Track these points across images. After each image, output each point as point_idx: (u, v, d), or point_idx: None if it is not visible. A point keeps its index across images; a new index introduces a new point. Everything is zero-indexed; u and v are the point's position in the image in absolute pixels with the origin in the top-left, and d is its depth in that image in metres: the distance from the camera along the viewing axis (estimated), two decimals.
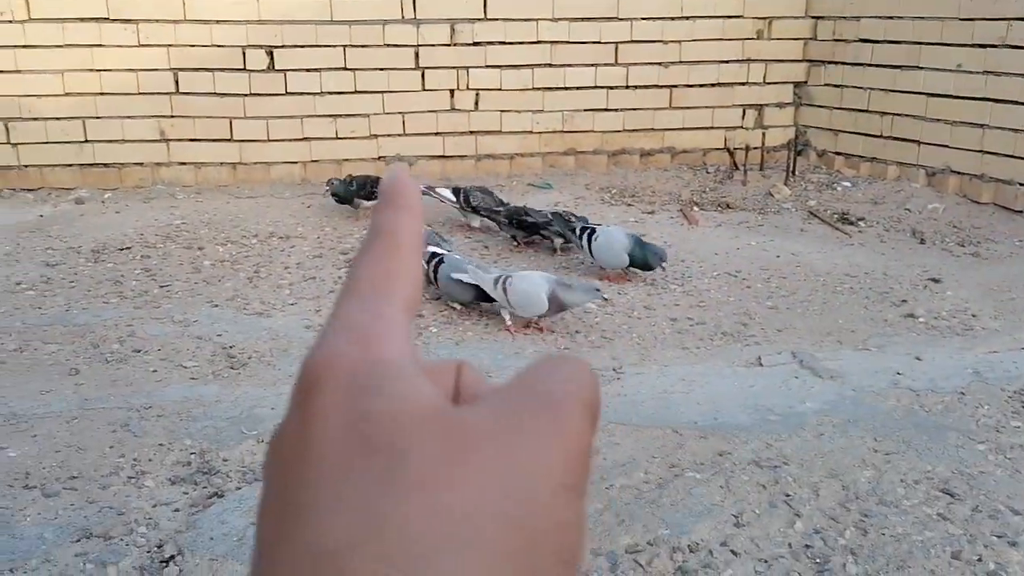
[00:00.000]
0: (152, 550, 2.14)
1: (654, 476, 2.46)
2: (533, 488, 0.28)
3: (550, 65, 6.28)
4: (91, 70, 5.65)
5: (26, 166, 5.73)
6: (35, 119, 5.67)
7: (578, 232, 4.22)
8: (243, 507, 2.28)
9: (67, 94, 5.66)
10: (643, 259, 4.02)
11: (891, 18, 5.91)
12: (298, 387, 0.31)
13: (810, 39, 6.58)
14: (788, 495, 2.36)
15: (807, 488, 2.40)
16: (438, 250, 3.87)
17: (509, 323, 3.56)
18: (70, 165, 5.77)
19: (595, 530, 2.22)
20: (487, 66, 6.19)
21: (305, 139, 6.06)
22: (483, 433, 0.29)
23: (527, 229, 4.57)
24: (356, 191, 5.01)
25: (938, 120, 5.68)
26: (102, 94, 5.70)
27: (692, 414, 2.85)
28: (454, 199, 4.79)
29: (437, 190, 4.81)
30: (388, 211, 0.36)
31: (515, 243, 4.68)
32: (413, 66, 6.08)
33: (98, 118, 5.74)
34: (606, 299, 3.71)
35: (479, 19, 6.07)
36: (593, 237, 4.13)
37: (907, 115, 5.89)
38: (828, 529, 2.24)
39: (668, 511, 2.29)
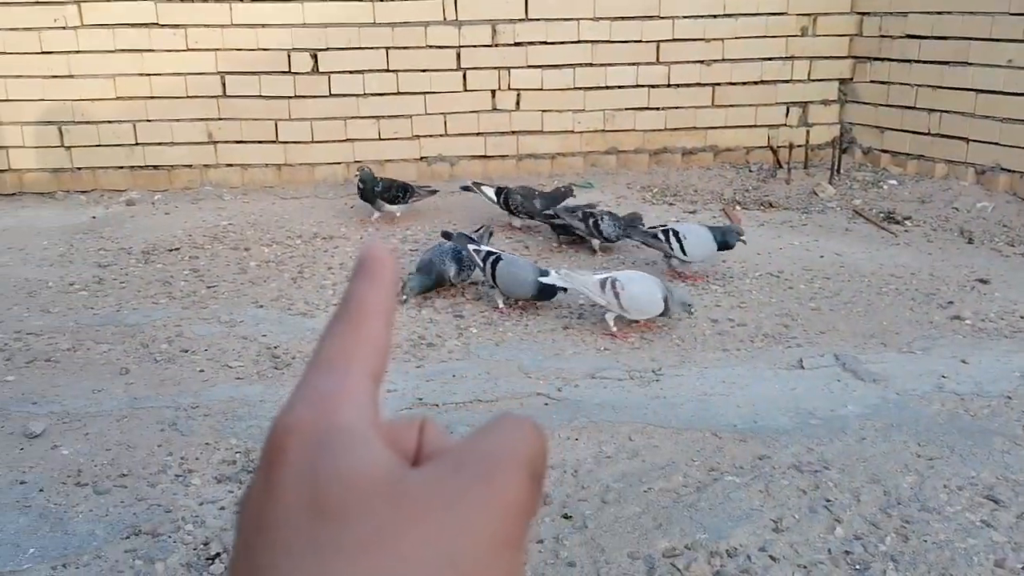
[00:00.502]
0: (198, 547, 2.20)
1: (693, 479, 2.46)
2: (472, 549, 0.31)
3: (591, 64, 6.28)
4: (141, 74, 5.78)
5: (79, 168, 5.89)
6: (88, 123, 5.82)
7: (662, 236, 4.15)
8: None
9: (118, 98, 5.81)
10: (725, 242, 4.07)
11: (939, 13, 5.80)
12: (264, 450, 0.33)
13: (856, 35, 6.48)
14: (828, 500, 2.35)
15: (848, 493, 2.38)
16: (493, 249, 3.94)
17: (615, 320, 3.56)
18: (121, 167, 5.92)
19: (632, 533, 2.23)
20: (528, 66, 6.20)
21: (348, 140, 6.13)
22: (427, 498, 0.31)
23: (561, 229, 4.60)
24: (381, 192, 4.96)
25: (988, 117, 5.57)
26: (152, 97, 5.84)
27: (732, 417, 2.84)
28: (495, 199, 4.82)
29: (483, 188, 4.90)
30: (360, 282, 0.37)
31: (556, 244, 4.70)
32: (455, 67, 6.12)
33: (148, 121, 5.88)
34: (693, 312, 3.57)
35: (520, 19, 6.09)
36: (681, 237, 4.10)
37: (955, 112, 5.78)
38: (869, 535, 2.22)
39: (706, 515, 2.29)
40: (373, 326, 0.36)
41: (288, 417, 0.33)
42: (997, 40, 5.44)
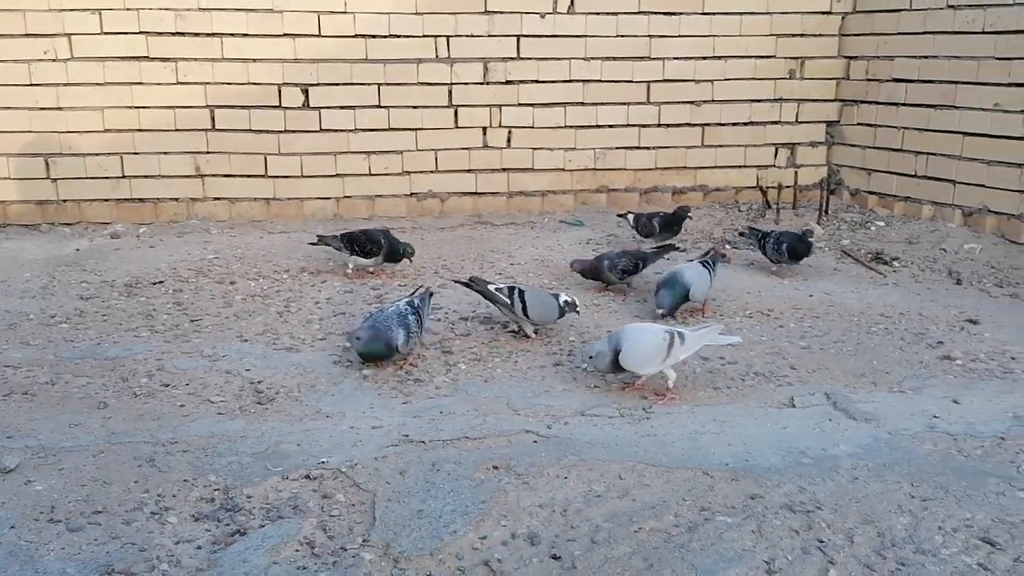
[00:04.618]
0: None
1: (684, 519, 2.41)
2: None
3: (582, 103, 6.32)
4: (130, 107, 5.78)
5: (65, 200, 5.85)
6: (75, 155, 5.79)
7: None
8: (265, 545, 2.25)
9: (106, 130, 5.79)
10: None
11: (926, 57, 5.87)
12: None
13: (843, 79, 6.55)
14: (822, 541, 2.29)
15: (841, 534, 2.33)
16: (510, 284, 3.97)
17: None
18: (107, 200, 5.88)
19: (623, 575, 2.16)
20: (520, 104, 6.24)
21: (338, 175, 6.12)
22: None
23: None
24: (346, 246, 4.68)
25: (974, 159, 5.61)
26: (140, 130, 5.82)
27: (723, 455, 2.79)
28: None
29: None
30: None
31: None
32: (447, 104, 6.14)
33: (136, 154, 5.85)
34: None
35: (512, 58, 6.14)
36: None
37: (942, 154, 5.82)
38: None
39: (698, 556, 2.23)
40: None
41: None
42: (983, 84, 5.51)
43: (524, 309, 3.80)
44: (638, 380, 3.32)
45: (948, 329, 4.00)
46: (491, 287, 3.86)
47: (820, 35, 6.47)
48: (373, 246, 4.66)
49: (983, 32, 5.49)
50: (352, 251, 4.69)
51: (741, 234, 5.48)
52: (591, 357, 3.28)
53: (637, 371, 3.25)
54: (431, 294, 3.91)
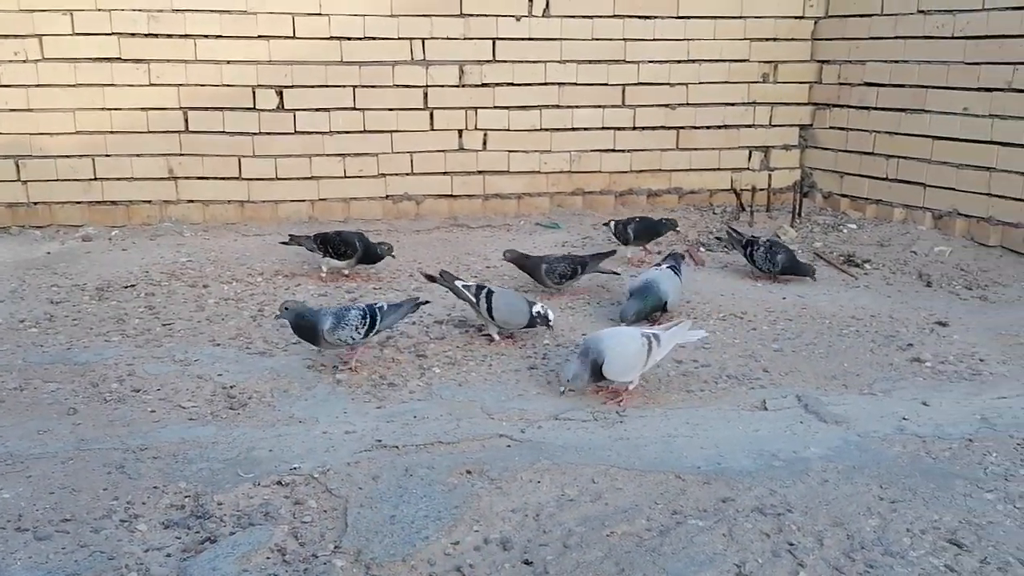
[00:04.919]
0: None
1: (656, 523, 2.42)
2: None
3: (558, 106, 6.33)
4: (102, 109, 5.72)
5: (35, 203, 5.78)
6: (46, 157, 5.72)
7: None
8: (236, 553, 2.24)
9: (78, 132, 5.73)
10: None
11: (897, 62, 5.94)
12: None
13: (815, 83, 6.61)
14: (792, 544, 2.31)
15: (811, 537, 2.35)
16: (479, 283, 3.96)
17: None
18: (78, 202, 5.82)
19: None
20: (495, 107, 6.24)
21: (313, 178, 6.09)
22: None
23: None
24: (320, 246, 4.67)
25: (944, 163, 5.68)
26: (112, 132, 5.76)
27: (696, 459, 2.80)
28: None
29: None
30: None
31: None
32: (422, 106, 6.13)
33: (107, 156, 5.79)
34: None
35: (488, 61, 6.13)
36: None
37: (913, 158, 5.89)
38: None
39: (669, 560, 2.24)
40: None
41: None
42: (953, 88, 5.58)
43: (489, 310, 3.78)
44: (614, 384, 3.32)
45: (918, 331, 4.04)
46: (458, 283, 3.85)
47: (793, 39, 6.53)
48: (347, 248, 4.64)
49: (952, 37, 5.56)
50: (325, 252, 4.67)
51: (719, 239, 5.50)
52: (568, 380, 3.21)
53: (621, 379, 3.23)
54: (418, 304, 3.76)
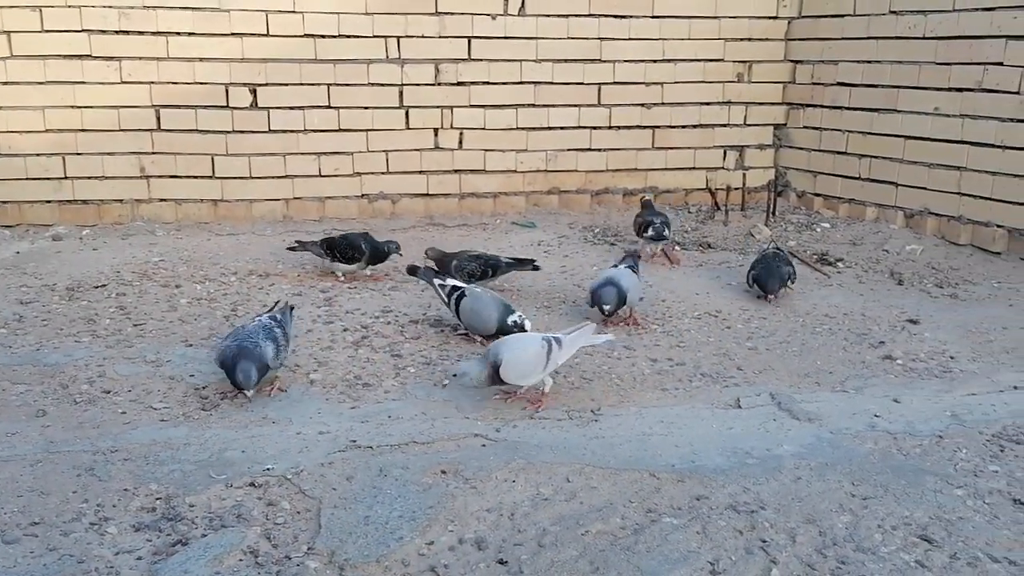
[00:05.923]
0: None
1: (630, 521, 2.42)
2: None
3: (534, 105, 6.33)
4: (72, 107, 5.64)
5: (4, 202, 5.69)
6: (14, 155, 5.64)
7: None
8: (207, 555, 2.22)
9: (48, 130, 5.65)
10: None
11: (869, 62, 5.99)
12: None
13: (789, 82, 6.66)
14: (765, 541, 2.33)
15: (784, 534, 2.36)
16: (458, 283, 3.94)
17: None
18: (48, 201, 5.74)
19: None
20: (471, 105, 6.23)
21: (288, 177, 6.05)
22: None
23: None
24: (327, 252, 4.66)
25: (916, 163, 5.74)
26: (83, 131, 5.69)
27: (670, 457, 2.81)
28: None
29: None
30: None
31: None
32: (397, 105, 6.11)
33: (78, 154, 5.72)
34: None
35: (463, 59, 6.12)
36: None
37: (885, 157, 5.95)
38: None
39: (644, 558, 2.25)
40: None
41: None
42: (924, 88, 5.64)
43: (457, 312, 3.79)
44: (519, 390, 3.25)
45: (890, 329, 4.08)
46: (436, 281, 3.84)
47: (767, 39, 6.57)
48: (354, 251, 4.62)
49: (924, 37, 5.62)
50: (333, 257, 4.65)
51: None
52: (455, 376, 3.17)
53: (520, 383, 3.17)
54: (292, 308, 3.63)
